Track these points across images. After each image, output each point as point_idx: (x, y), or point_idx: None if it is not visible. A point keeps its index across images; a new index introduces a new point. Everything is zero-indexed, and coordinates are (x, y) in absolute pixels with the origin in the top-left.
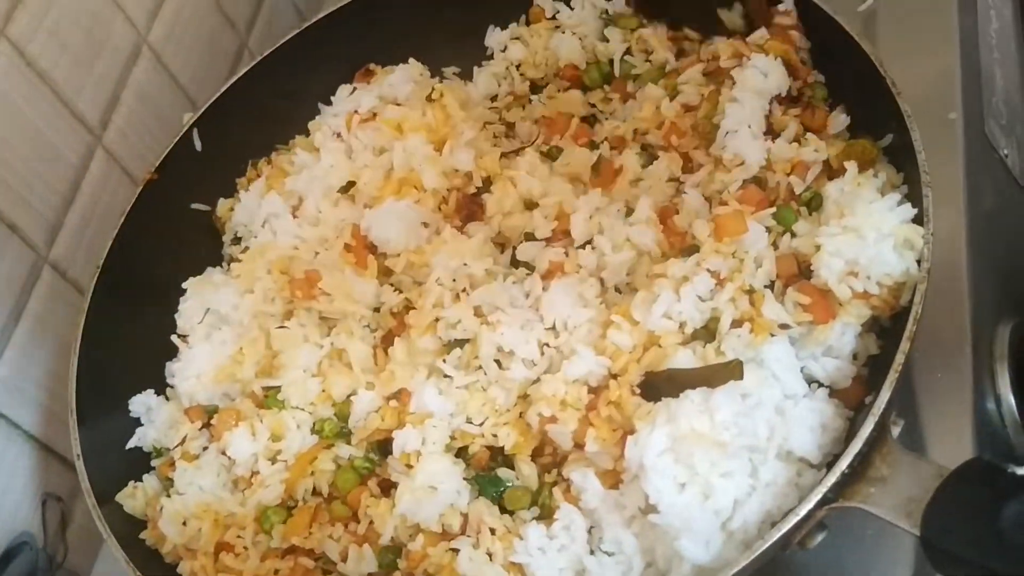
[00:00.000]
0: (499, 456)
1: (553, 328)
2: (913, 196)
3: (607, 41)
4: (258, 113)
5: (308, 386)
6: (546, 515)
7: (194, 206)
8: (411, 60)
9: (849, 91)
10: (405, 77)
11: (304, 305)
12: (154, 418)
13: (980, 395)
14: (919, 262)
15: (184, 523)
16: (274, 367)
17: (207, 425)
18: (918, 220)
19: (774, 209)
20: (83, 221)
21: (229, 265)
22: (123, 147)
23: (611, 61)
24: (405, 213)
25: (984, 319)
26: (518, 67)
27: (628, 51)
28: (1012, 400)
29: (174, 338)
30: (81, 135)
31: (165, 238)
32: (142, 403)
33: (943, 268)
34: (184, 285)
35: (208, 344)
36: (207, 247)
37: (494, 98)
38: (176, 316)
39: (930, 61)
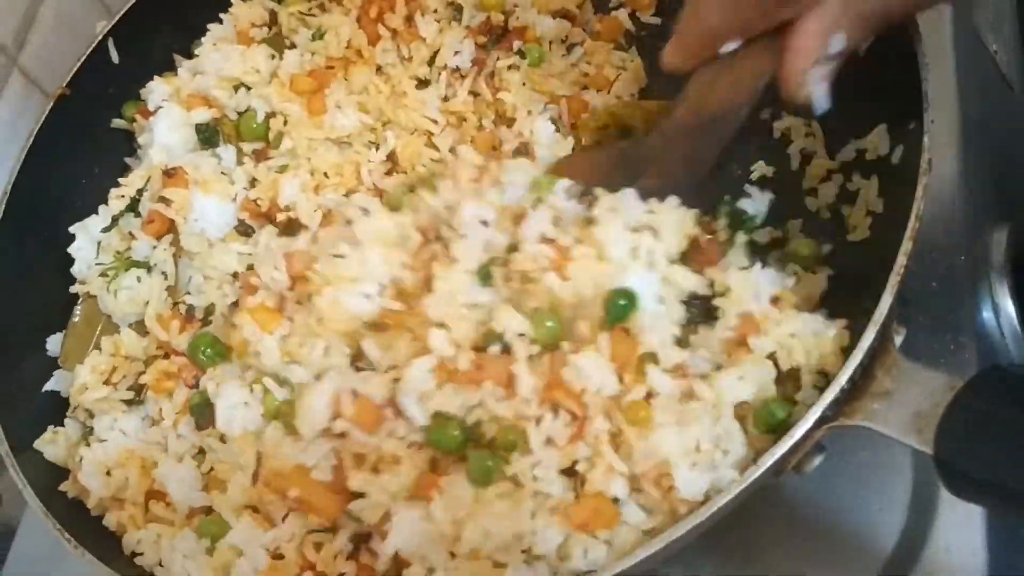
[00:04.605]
0: None
1: None
2: (907, 85)
3: None
4: (181, 19)
5: None
6: None
7: (115, 123)
8: None
9: None
10: None
11: None
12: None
13: (977, 305)
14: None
15: (108, 473)
16: None
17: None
18: (916, 106)
19: None
20: (1, 149)
21: None
22: (41, 68)
23: None
24: None
25: (979, 224)
26: None
27: None
28: (1011, 309)
29: (74, 288)
30: None
31: (82, 159)
32: (60, 342)
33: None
34: (71, 230)
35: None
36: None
37: None
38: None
39: None
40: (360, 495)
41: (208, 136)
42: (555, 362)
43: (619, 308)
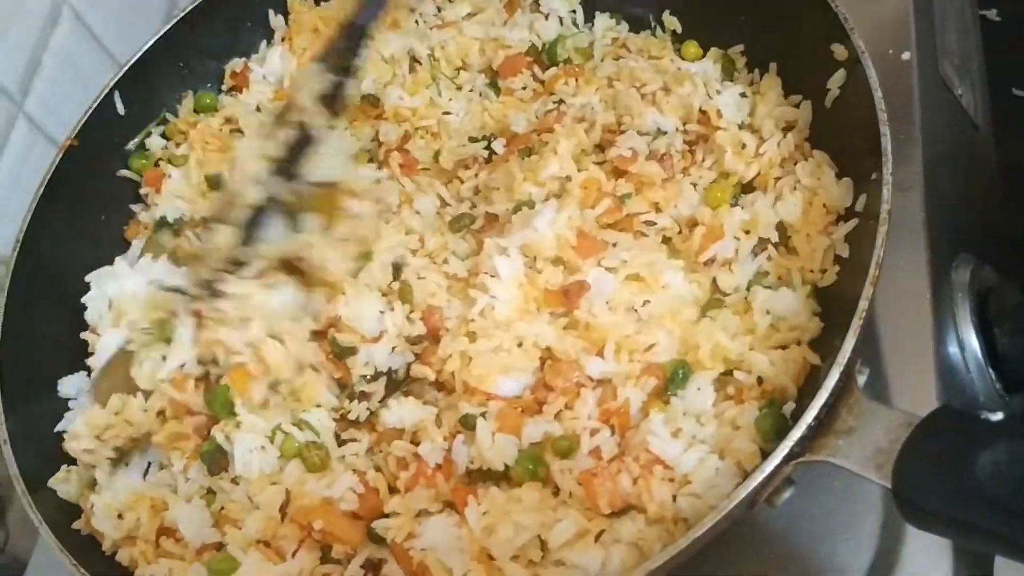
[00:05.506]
0: None
1: None
2: (869, 138)
3: None
4: (184, 73)
5: None
6: None
7: (120, 173)
8: None
9: (796, 29)
10: None
11: None
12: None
13: (942, 340)
14: (881, 203)
15: (119, 516)
16: None
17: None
18: (877, 162)
19: None
20: (6, 193)
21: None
22: (46, 114)
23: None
24: None
25: (942, 261)
26: None
27: None
28: (976, 344)
29: (85, 335)
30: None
31: (90, 208)
32: (73, 385)
33: (899, 210)
34: (87, 278)
35: (117, 331)
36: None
37: None
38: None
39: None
40: (385, 515)
41: None
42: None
43: (679, 375)
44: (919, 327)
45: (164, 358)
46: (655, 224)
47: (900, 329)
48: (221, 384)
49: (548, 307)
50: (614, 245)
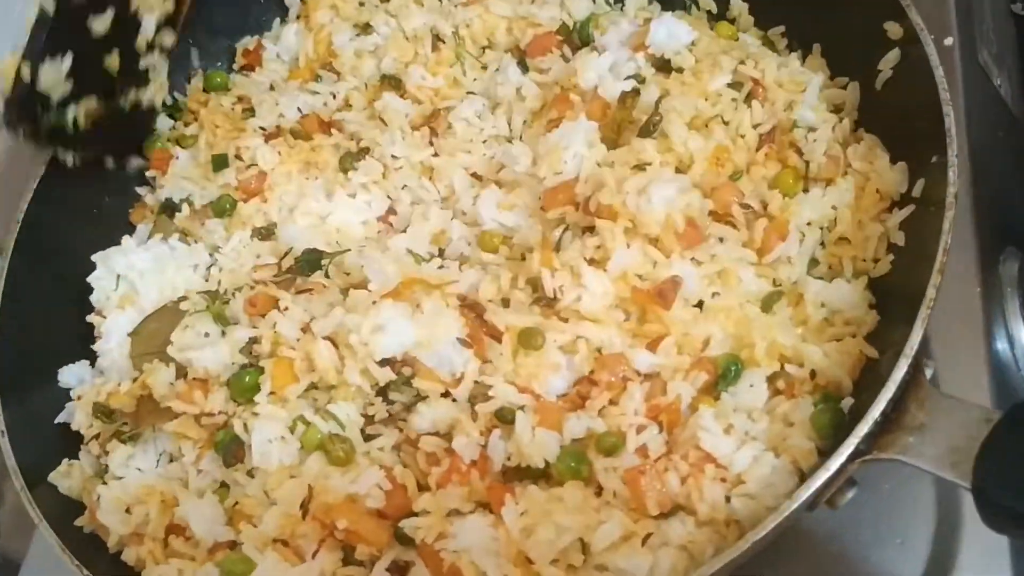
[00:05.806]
0: None
1: None
2: (928, 119)
3: None
4: (194, 50)
5: None
6: None
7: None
8: None
9: (843, 8)
10: None
11: None
12: (85, 395)
13: (992, 336)
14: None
15: (127, 510)
16: None
17: None
18: (940, 143)
19: None
20: (2, 176)
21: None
22: None
23: None
24: None
25: (990, 254)
26: None
27: None
28: None
29: (90, 318)
30: None
31: (93, 190)
32: (74, 374)
33: None
34: (93, 258)
35: (124, 313)
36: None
37: None
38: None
39: None
40: (413, 514)
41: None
42: None
43: (731, 372)
44: (969, 322)
45: (207, 335)
46: (750, 208)
47: (949, 324)
48: (252, 369)
49: (637, 309)
50: (720, 240)
